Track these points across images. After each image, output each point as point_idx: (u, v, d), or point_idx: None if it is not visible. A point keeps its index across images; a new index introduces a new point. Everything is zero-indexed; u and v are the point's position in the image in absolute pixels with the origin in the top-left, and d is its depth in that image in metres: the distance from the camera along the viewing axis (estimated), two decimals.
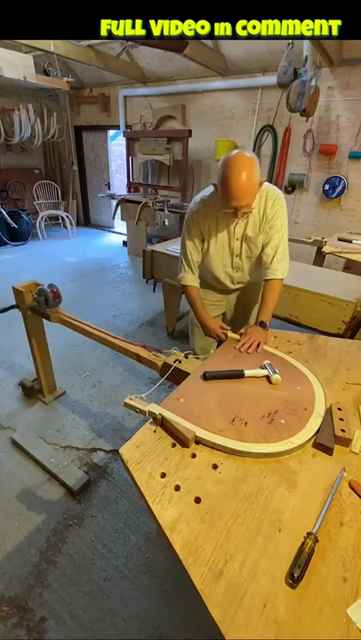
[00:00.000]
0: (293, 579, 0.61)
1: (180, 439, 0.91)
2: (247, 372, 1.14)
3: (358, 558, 0.66)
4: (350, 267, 3.16)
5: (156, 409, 0.97)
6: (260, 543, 0.68)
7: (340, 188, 4.01)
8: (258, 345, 1.31)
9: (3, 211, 5.47)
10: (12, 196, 6.15)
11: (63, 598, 1.35)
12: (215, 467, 0.84)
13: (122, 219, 5.46)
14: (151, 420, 0.97)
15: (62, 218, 6.33)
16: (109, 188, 6.48)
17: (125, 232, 5.66)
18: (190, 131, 4.49)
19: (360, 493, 0.78)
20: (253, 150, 4.52)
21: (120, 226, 6.72)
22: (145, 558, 1.49)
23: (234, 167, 1.20)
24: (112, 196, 5.53)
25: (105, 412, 2.28)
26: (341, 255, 2.60)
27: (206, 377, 1.12)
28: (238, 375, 1.14)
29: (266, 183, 1.40)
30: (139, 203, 4.93)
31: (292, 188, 4.36)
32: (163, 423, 0.95)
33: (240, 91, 4.42)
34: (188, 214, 1.51)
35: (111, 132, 6.37)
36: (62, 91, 5.35)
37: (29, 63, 4.41)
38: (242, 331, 1.45)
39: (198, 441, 0.90)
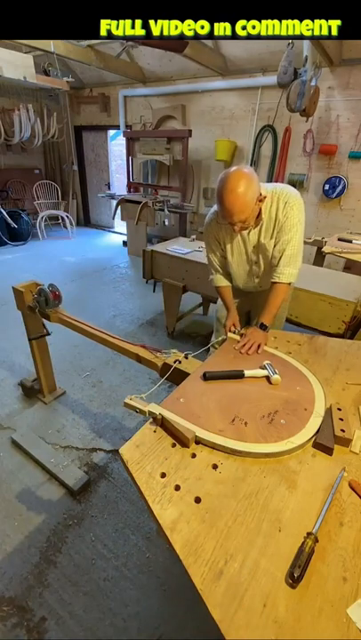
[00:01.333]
0: (293, 579, 0.61)
1: (180, 439, 0.91)
2: (247, 373, 1.14)
3: (358, 558, 0.66)
4: (350, 267, 3.16)
5: (156, 409, 0.97)
6: (260, 543, 0.68)
7: (340, 187, 4.01)
8: (258, 347, 1.31)
9: (3, 211, 5.47)
10: (12, 196, 6.15)
11: (63, 598, 1.35)
12: (215, 467, 0.84)
13: (122, 219, 5.46)
14: (151, 419, 0.97)
15: (62, 218, 6.33)
16: (109, 188, 6.48)
17: (125, 232, 5.66)
18: (190, 131, 4.49)
19: (360, 493, 0.78)
20: (253, 150, 4.52)
21: (120, 226, 6.72)
22: (145, 558, 1.49)
23: (228, 184, 1.19)
24: (112, 196, 5.53)
25: (105, 412, 2.28)
26: (341, 255, 2.60)
27: (206, 377, 1.12)
28: (238, 375, 1.14)
29: (277, 185, 1.39)
30: (139, 203, 4.93)
31: None
32: (163, 423, 0.95)
33: (240, 91, 4.42)
34: (204, 227, 1.57)
35: (111, 132, 6.37)
36: (62, 91, 5.35)
37: (29, 63, 4.41)
38: (242, 331, 1.46)
39: (198, 441, 0.90)
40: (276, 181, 4.44)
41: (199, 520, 0.72)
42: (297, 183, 4.27)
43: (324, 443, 0.89)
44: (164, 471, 0.82)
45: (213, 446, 0.88)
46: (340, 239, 2.90)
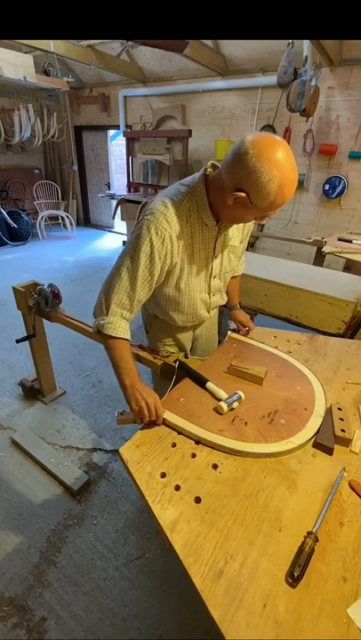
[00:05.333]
0: (293, 578, 0.61)
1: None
2: (209, 385, 1.07)
3: (358, 558, 0.66)
4: (350, 267, 3.16)
5: None
6: (260, 543, 0.68)
7: (340, 187, 4.01)
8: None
9: (3, 211, 5.47)
10: (12, 196, 6.15)
11: (63, 598, 1.35)
12: (215, 466, 0.84)
13: (122, 219, 5.46)
14: None
15: (62, 218, 6.33)
16: (109, 188, 6.48)
17: (125, 232, 5.66)
18: (190, 131, 4.49)
19: (360, 493, 0.78)
20: None
21: (120, 226, 6.71)
22: (145, 558, 1.49)
23: (290, 160, 0.82)
24: (112, 196, 5.53)
25: (105, 411, 2.28)
26: (341, 255, 2.59)
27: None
28: (203, 380, 1.09)
29: None
30: (139, 203, 4.93)
31: None
32: (163, 423, 0.95)
33: (240, 91, 4.42)
34: (148, 236, 0.93)
35: (111, 132, 6.37)
36: (62, 91, 5.35)
37: (29, 63, 4.41)
38: (231, 323, 1.50)
39: (198, 441, 0.90)
40: None
41: (199, 520, 0.72)
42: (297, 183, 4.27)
43: (325, 443, 0.89)
44: (164, 471, 0.82)
45: (213, 446, 0.88)
46: (340, 239, 2.90)
